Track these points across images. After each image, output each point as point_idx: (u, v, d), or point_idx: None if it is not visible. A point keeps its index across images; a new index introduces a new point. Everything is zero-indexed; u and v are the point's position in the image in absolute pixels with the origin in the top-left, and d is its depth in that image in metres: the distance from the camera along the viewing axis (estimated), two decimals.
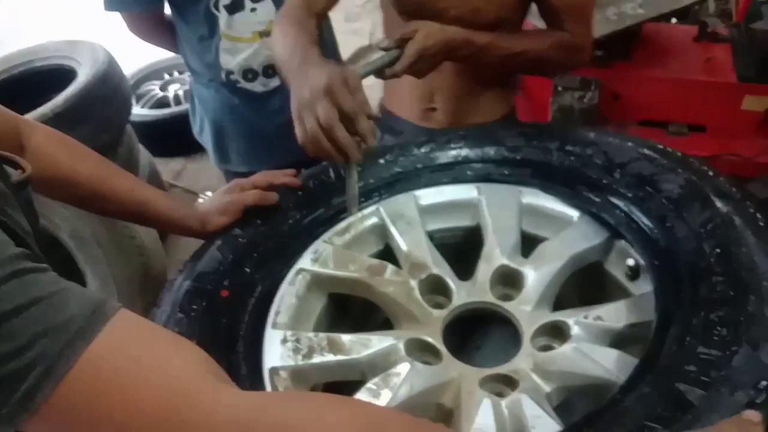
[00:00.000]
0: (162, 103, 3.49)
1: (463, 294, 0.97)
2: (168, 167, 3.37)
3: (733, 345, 0.67)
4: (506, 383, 0.86)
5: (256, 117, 1.80)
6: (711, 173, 0.90)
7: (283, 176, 1.16)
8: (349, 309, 1.08)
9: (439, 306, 0.98)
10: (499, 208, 1.06)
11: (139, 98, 3.49)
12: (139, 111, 3.37)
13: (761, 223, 0.80)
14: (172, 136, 3.22)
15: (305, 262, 1.01)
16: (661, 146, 1.01)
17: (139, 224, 1.21)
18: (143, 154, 2.90)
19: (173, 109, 3.41)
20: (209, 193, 3.44)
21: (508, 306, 0.95)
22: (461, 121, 1.42)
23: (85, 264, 1.99)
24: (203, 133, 1.91)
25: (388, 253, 1.08)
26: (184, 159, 3.44)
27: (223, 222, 1.09)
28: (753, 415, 0.57)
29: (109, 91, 2.30)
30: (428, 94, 1.44)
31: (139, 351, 0.53)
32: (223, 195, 1.13)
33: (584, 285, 1.04)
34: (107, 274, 1.96)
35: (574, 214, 1.03)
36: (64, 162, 0.98)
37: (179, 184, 3.30)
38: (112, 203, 1.03)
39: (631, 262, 0.95)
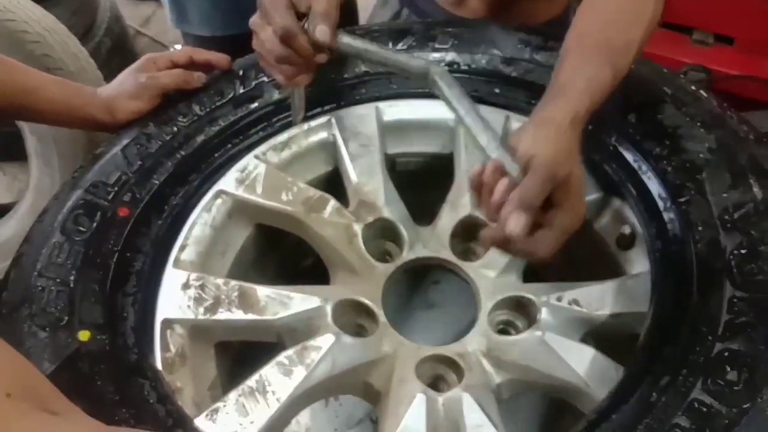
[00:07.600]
0: None
1: (417, 246, 0.79)
2: (136, 11, 3.01)
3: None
4: (449, 366, 0.70)
5: None
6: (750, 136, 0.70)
7: (209, 53, 0.94)
8: (283, 240, 0.90)
9: (386, 256, 0.80)
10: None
11: None
12: None
13: None
14: None
15: (228, 182, 0.82)
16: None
17: (28, 120, 0.97)
18: None
19: None
20: (178, 47, 3.11)
21: (469, 267, 0.78)
22: (501, 13, 1.09)
23: None
24: None
25: (336, 178, 0.89)
26: (155, 2, 3.07)
27: (136, 108, 0.88)
28: None
29: None
30: None
31: None
32: (133, 74, 0.90)
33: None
34: None
35: None
36: None
37: (147, 33, 2.97)
38: None
39: (626, 230, 0.77)
